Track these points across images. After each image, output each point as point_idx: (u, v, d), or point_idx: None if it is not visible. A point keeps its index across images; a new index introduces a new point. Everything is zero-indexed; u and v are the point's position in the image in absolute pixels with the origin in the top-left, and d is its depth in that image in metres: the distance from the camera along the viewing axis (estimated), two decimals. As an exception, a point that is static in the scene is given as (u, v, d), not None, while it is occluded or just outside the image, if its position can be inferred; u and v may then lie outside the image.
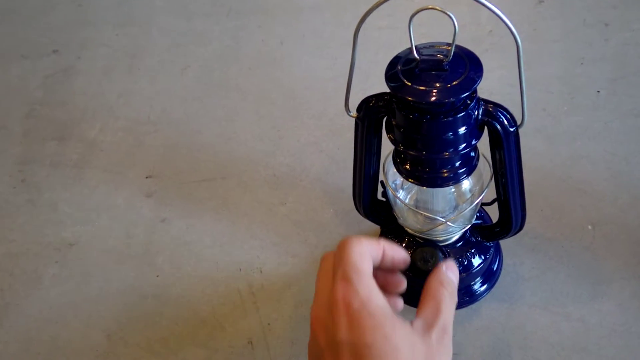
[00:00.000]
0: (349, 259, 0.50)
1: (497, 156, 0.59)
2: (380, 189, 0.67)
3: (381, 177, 0.66)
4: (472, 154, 0.60)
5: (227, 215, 0.81)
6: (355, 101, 0.59)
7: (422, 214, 0.64)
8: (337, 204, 0.80)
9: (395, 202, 0.64)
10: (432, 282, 0.54)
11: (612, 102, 0.87)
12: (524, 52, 0.51)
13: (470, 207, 0.63)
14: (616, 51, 0.94)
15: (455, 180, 0.59)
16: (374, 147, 0.63)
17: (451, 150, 0.55)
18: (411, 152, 0.57)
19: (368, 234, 0.77)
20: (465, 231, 0.67)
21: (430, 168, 0.58)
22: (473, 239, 0.68)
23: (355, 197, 0.68)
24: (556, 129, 0.85)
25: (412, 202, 0.66)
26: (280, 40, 1.04)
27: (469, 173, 0.59)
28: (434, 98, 0.52)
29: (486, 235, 0.68)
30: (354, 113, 0.60)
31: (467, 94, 0.52)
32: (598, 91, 0.89)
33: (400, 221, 0.66)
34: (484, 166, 0.63)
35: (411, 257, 0.61)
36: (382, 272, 0.54)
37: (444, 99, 0.52)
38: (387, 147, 0.62)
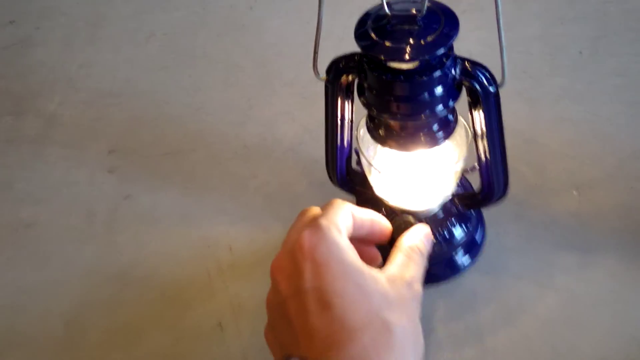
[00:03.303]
0: (328, 214, 0.47)
1: (477, 118, 0.55)
2: (354, 158, 0.63)
3: (355, 145, 0.61)
4: (450, 116, 0.55)
5: (195, 189, 0.76)
6: (326, 65, 0.54)
7: (398, 183, 0.60)
8: (311, 175, 0.76)
9: (371, 170, 0.60)
10: (405, 240, 0.51)
11: (594, 63, 0.83)
12: (503, 13, 0.47)
13: (451, 174, 0.59)
14: (597, 9, 0.90)
15: (433, 144, 0.55)
16: (346, 112, 0.59)
17: (427, 112, 0.51)
18: (385, 116, 0.52)
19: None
20: (446, 201, 0.64)
21: (405, 132, 0.54)
22: (454, 209, 0.64)
23: (329, 166, 0.64)
24: (537, 91, 0.81)
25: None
26: (250, 5, 0.99)
27: (446, 136, 0.55)
28: (407, 55, 0.48)
29: (468, 204, 0.64)
30: (323, 76, 0.56)
31: (443, 50, 0.48)
32: (580, 52, 0.85)
33: (376, 192, 0.62)
34: (464, 131, 0.59)
35: (393, 229, 0.57)
36: (357, 243, 0.51)
37: (417, 56, 0.48)
38: (360, 112, 0.58)
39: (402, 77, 0.50)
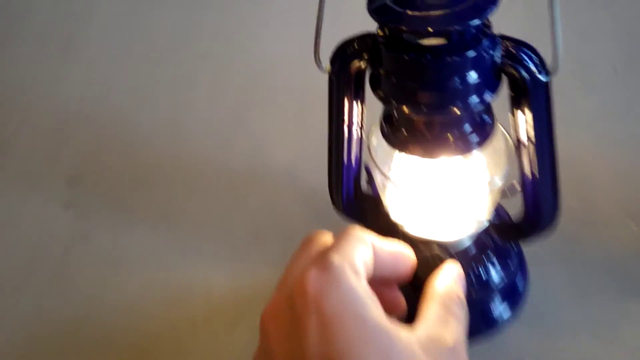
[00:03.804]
0: (342, 247, 0.34)
1: (521, 120, 0.42)
2: (364, 177, 0.50)
3: (365, 160, 0.49)
4: (486, 117, 0.43)
5: (169, 225, 0.63)
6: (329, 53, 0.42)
7: (421, 203, 0.46)
8: (309, 205, 0.63)
9: (386, 187, 0.47)
10: (438, 284, 0.38)
11: (631, 79, 0.72)
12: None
13: (486, 193, 0.46)
14: (622, 25, 0.79)
15: (464, 149, 0.42)
16: (355, 114, 0.46)
17: (458, 103, 0.39)
18: (406, 109, 0.40)
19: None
20: (480, 230, 0.50)
21: (431, 133, 0.41)
22: (490, 242, 0.51)
23: (332, 188, 0.51)
24: (571, 111, 0.69)
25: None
26: (243, 23, 0.87)
27: (481, 140, 0.42)
28: (434, 25, 0.36)
29: (507, 235, 0.51)
30: (326, 67, 0.43)
31: (478, 21, 0.36)
32: (614, 68, 0.73)
33: (393, 217, 0.48)
34: (502, 141, 0.46)
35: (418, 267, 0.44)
36: (376, 285, 0.37)
37: (447, 24, 0.36)
38: (371, 118, 0.46)
39: (428, 56, 0.37)
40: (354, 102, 0.45)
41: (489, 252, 0.50)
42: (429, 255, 0.44)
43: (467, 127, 0.42)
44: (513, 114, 0.42)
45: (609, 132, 0.66)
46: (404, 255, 0.41)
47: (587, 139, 0.65)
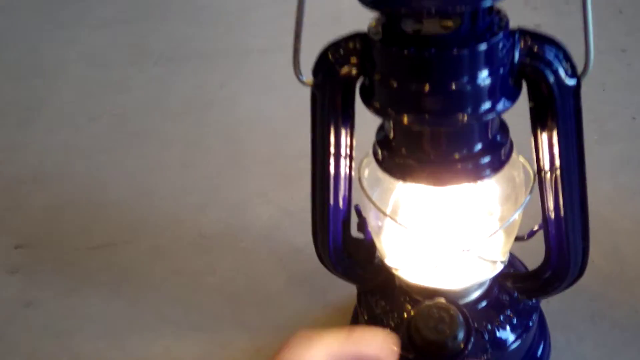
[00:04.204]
0: None
1: (544, 139, 0.35)
2: (353, 220, 0.43)
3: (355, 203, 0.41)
4: (501, 137, 0.36)
5: (128, 291, 0.54)
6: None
7: (425, 242, 0.38)
8: (292, 268, 0.55)
9: (382, 230, 0.39)
10: None
11: None
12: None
13: (500, 232, 0.38)
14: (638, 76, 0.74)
15: (475, 176, 0.34)
16: (343, 139, 0.38)
17: (468, 109, 0.32)
18: (407, 120, 0.32)
19: (338, 308, 0.51)
20: (492, 284, 0.42)
21: (436, 151, 0.34)
22: (505, 297, 0.42)
23: (317, 234, 0.43)
24: (590, 161, 0.62)
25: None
26: (220, 83, 0.82)
27: (495, 167, 0.35)
28: (437, 4, 0.29)
29: (526, 287, 0.42)
30: (307, 79, 0.36)
31: (491, 2, 0.30)
32: (633, 117, 0.67)
33: (390, 263, 0.40)
34: (519, 170, 0.39)
35: (411, 322, 0.36)
36: None
37: (453, 4, 0.29)
38: (361, 152, 0.39)
39: (432, 49, 0.31)
40: (342, 126, 0.38)
41: (503, 308, 0.42)
42: (433, 307, 0.36)
43: (479, 147, 0.34)
44: (534, 133, 0.36)
45: (630, 182, 0.59)
46: (374, 343, 0.32)
47: (609, 189, 0.59)
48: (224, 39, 0.91)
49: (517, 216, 0.38)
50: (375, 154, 0.37)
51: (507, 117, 0.36)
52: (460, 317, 0.37)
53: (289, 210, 0.60)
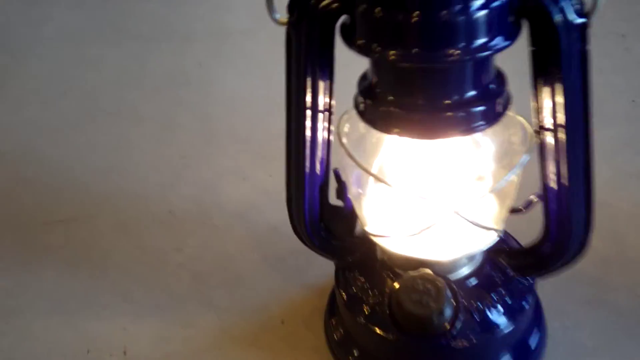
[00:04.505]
0: None
1: (545, 92, 0.31)
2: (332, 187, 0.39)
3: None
4: (496, 87, 0.32)
5: (86, 268, 0.50)
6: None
7: (412, 206, 0.34)
8: (266, 247, 0.50)
9: (364, 195, 0.35)
10: None
11: None
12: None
13: (497, 186, 0.34)
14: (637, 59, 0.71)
15: (467, 127, 0.30)
16: (322, 89, 0.34)
17: (461, 46, 0.28)
18: (393, 55, 0.29)
19: (315, 289, 0.46)
20: (483, 260, 0.38)
21: (424, 96, 0.30)
22: (498, 275, 0.38)
23: (292, 203, 0.39)
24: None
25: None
26: (199, 63, 0.78)
27: (490, 119, 0.31)
28: None
29: (522, 264, 0.38)
30: (281, 17, 0.32)
31: None
32: (633, 100, 0.64)
33: (372, 231, 0.36)
34: (518, 128, 0.35)
35: (392, 295, 0.32)
36: None
37: None
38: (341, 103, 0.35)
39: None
40: (320, 74, 0.34)
41: (495, 286, 0.38)
42: (417, 279, 0.32)
43: (472, 93, 0.31)
44: (534, 84, 0.32)
45: (629, 164, 0.56)
46: None
47: (608, 173, 0.55)
48: (204, 19, 0.87)
49: (513, 177, 0.34)
50: (357, 106, 0.33)
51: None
52: (448, 291, 0.33)
53: (266, 189, 0.56)
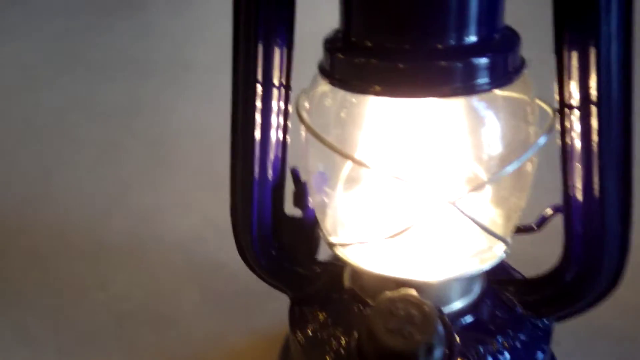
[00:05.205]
0: None
1: (573, 53, 0.24)
2: (289, 189, 0.30)
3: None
4: (506, 40, 0.24)
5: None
6: None
7: (395, 191, 0.26)
8: (209, 285, 0.41)
9: (332, 196, 0.27)
10: None
11: None
12: None
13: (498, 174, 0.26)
14: None
15: (466, 82, 0.22)
16: (275, 50, 0.26)
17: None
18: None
19: (265, 335, 0.37)
20: (483, 291, 0.29)
21: (410, 33, 0.22)
22: (502, 313, 0.29)
23: (236, 213, 0.30)
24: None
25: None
26: (156, 92, 0.70)
27: (496, 77, 0.23)
28: None
29: (535, 300, 0.29)
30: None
31: None
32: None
33: (336, 242, 0.27)
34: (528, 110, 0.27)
35: (366, 323, 0.23)
36: None
37: None
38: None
39: None
40: (275, 34, 0.26)
41: (502, 329, 0.28)
42: (397, 301, 0.23)
43: (473, 38, 0.22)
44: (558, 47, 0.24)
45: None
46: None
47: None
48: (166, 52, 0.80)
49: (526, 166, 0.26)
50: (323, 69, 0.25)
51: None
52: (439, 321, 0.24)
53: (215, 223, 0.47)
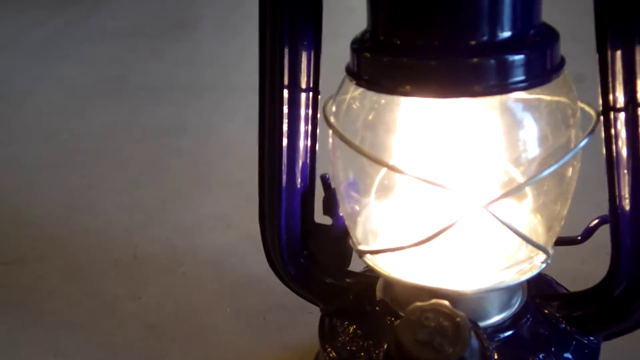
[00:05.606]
0: None
1: (619, 50, 0.22)
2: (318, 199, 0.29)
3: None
4: (543, 36, 0.23)
5: (19, 314, 0.40)
6: None
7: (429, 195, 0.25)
8: (242, 299, 0.40)
9: (367, 203, 0.26)
10: None
11: None
12: None
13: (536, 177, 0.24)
14: None
15: (502, 81, 0.21)
16: (302, 55, 0.26)
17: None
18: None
19: (296, 350, 0.36)
20: (524, 306, 0.27)
21: (442, 36, 0.21)
22: (544, 329, 0.27)
23: (264, 220, 0.29)
24: None
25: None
26: (200, 113, 0.71)
27: (533, 76, 0.22)
28: None
29: (581, 316, 0.27)
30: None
31: None
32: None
33: (367, 250, 0.26)
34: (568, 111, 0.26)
35: (395, 335, 0.21)
36: None
37: None
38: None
39: None
40: (302, 41, 0.25)
41: (544, 346, 0.27)
42: (428, 311, 0.21)
43: (507, 33, 0.21)
44: (600, 44, 0.23)
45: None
46: None
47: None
48: (212, 76, 0.81)
49: (568, 171, 0.24)
50: (350, 71, 0.24)
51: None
52: (473, 334, 0.22)
53: (251, 238, 0.46)
